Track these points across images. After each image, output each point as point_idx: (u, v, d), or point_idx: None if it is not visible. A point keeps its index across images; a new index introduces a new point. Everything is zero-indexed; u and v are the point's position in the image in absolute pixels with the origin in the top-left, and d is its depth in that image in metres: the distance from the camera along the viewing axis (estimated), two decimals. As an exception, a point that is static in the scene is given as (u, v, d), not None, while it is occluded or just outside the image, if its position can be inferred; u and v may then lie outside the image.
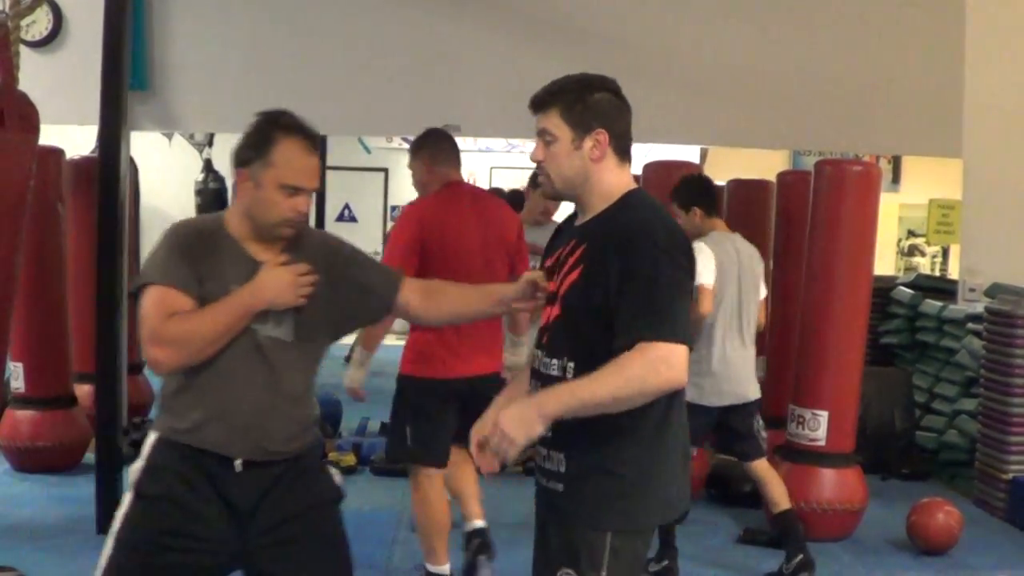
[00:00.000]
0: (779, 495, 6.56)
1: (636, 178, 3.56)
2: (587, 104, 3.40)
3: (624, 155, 3.41)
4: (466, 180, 6.49)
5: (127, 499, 3.64)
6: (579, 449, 3.33)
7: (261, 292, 3.50)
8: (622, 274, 3.18)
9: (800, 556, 6.36)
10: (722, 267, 6.40)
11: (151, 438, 3.65)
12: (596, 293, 3.24)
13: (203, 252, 3.58)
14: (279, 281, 3.51)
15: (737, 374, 6.47)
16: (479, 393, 4.83)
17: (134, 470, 3.62)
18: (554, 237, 3.59)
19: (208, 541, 3.56)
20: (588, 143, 3.35)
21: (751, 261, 6.64)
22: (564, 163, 3.36)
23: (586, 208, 3.41)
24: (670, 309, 3.15)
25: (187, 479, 3.55)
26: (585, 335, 3.28)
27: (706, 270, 6.20)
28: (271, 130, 3.64)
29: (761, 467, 6.63)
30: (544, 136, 3.39)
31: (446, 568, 6.02)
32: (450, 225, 5.74)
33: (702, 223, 6.52)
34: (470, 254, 5.74)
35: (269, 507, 3.59)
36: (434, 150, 5.94)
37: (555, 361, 3.35)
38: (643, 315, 3.14)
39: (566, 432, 3.27)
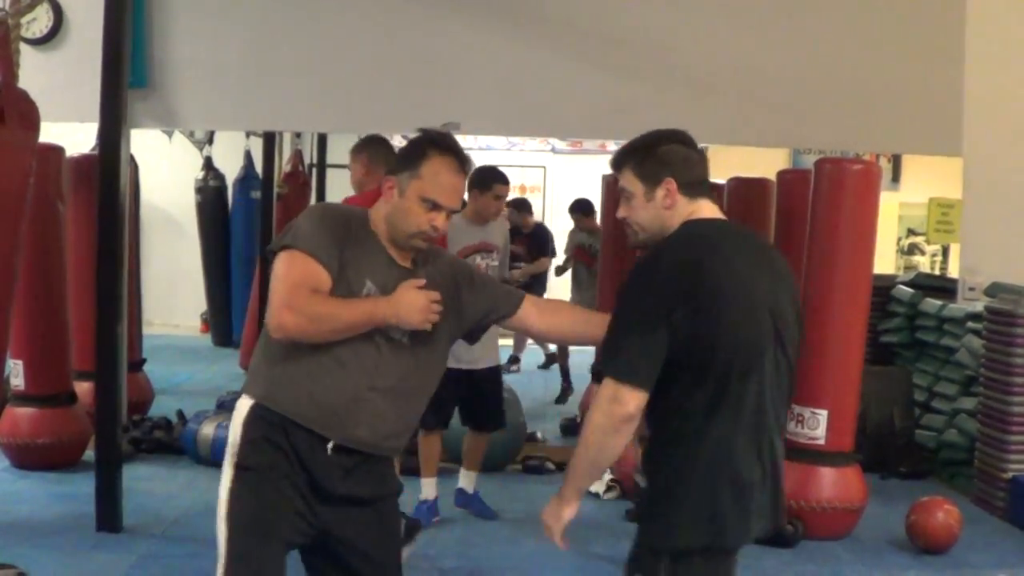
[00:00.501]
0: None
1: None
2: (656, 157, 3.55)
3: (696, 194, 3.55)
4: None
5: (229, 475, 3.72)
6: (649, 469, 3.50)
7: (395, 308, 3.59)
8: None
9: None
10: None
11: (244, 406, 3.75)
12: None
13: (349, 238, 3.71)
14: (414, 304, 3.60)
15: None
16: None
17: (232, 443, 3.73)
18: None
19: (304, 516, 3.69)
20: (660, 193, 3.51)
21: None
22: (642, 215, 3.54)
23: None
24: (623, 345, 3.32)
25: (283, 450, 3.66)
26: None
27: None
28: (426, 146, 3.74)
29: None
30: (623, 194, 3.57)
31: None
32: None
33: None
34: None
35: (346, 490, 3.71)
36: (373, 153, 6.71)
37: None
38: (605, 348, 3.39)
39: (646, 453, 3.49)
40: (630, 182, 3.54)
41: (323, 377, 3.63)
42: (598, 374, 3.48)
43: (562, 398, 11.71)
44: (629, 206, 3.55)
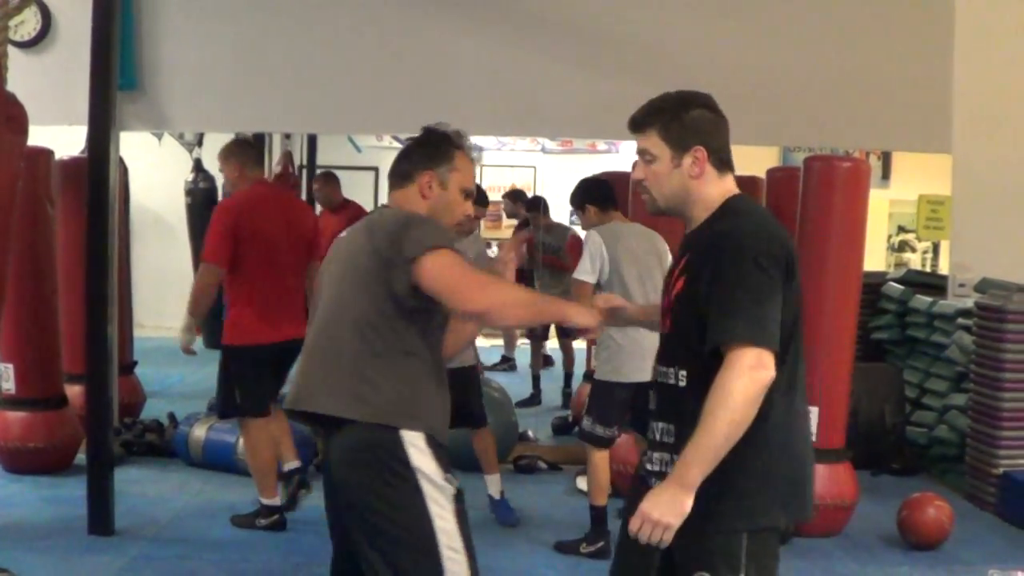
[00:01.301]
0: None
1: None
2: (684, 123, 3.46)
3: (723, 166, 3.52)
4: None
5: (449, 507, 3.76)
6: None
7: (575, 314, 3.77)
8: (711, 281, 3.28)
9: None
10: (617, 253, 6.77)
11: (418, 440, 3.73)
12: (697, 301, 3.32)
13: None
14: (586, 310, 3.82)
15: (642, 350, 6.43)
16: (288, 354, 6.70)
17: (430, 474, 3.72)
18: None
19: None
20: (687, 160, 3.45)
21: (651, 243, 6.95)
22: (665, 182, 3.48)
23: (691, 221, 3.52)
24: (755, 312, 3.23)
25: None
26: (693, 343, 3.33)
27: (588, 261, 6.76)
28: (450, 142, 4.02)
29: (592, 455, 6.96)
30: (644, 156, 3.50)
31: (278, 500, 7.15)
32: (259, 216, 6.99)
33: (597, 218, 7.09)
34: (275, 240, 7.07)
35: None
36: (243, 157, 7.28)
37: (670, 370, 3.45)
38: (721, 322, 3.23)
39: (684, 431, 3.28)
40: (655, 145, 3.46)
41: (441, 392, 3.87)
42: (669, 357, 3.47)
43: (529, 402, 11.35)
44: (650, 170, 3.48)
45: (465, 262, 3.73)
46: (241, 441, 8.18)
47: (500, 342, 14.28)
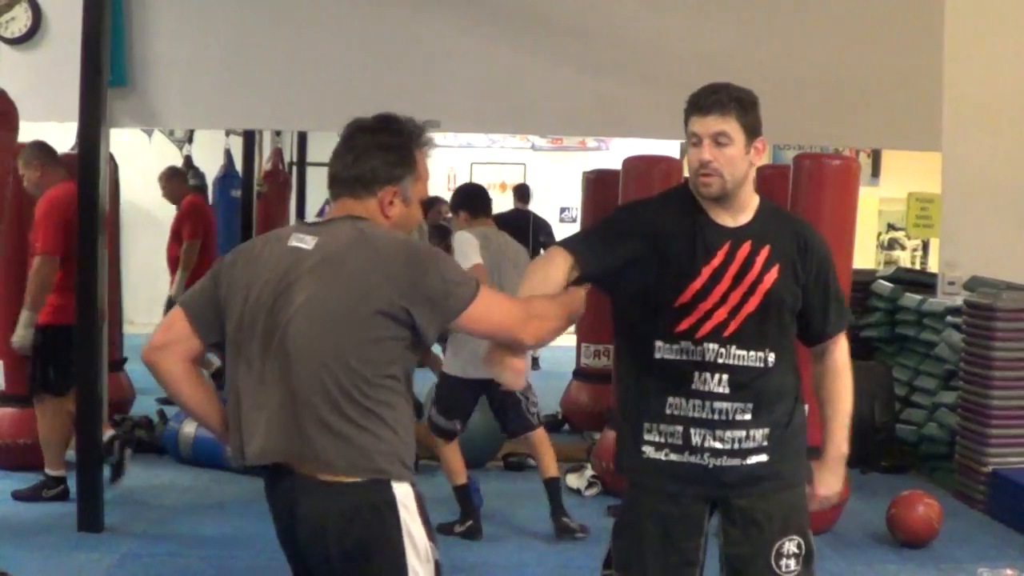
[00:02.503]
0: (547, 464, 7.18)
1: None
2: (757, 113, 3.70)
3: None
4: (446, 175, 7.39)
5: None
6: (777, 420, 3.73)
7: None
8: (818, 273, 3.74)
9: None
10: (489, 251, 7.05)
11: (409, 497, 3.30)
12: (794, 288, 3.68)
13: None
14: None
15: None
16: None
17: (420, 537, 3.33)
18: (694, 236, 3.68)
19: None
20: (754, 149, 3.65)
21: (513, 253, 7.31)
22: (738, 165, 3.61)
23: (739, 207, 3.70)
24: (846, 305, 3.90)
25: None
26: (786, 327, 3.72)
27: (472, 251, 6.96)
28: (412, 148, 3.45)
29: (535, 438, 7.18)
30: (719, 138, 3.58)
31: (63, 472, 7.52)
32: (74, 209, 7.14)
33: (467, 223, 7.34)
34: None
35: None
36: (45, 158, 7.58)
37: (753, 353, 3.65)
38: (839, 310, 3.85)
39: (764, 407, 3.68)
40: (734, 128, 3.59)
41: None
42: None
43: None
44: (724, 152, 3.58)
45: (496, 291, 3.60)
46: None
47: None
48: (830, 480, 3.85)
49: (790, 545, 3.68)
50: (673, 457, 3.66)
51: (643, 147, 10.32)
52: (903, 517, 7.05)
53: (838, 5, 8.79)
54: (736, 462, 3.64)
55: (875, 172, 15.71)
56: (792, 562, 3.68)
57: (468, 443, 8.03)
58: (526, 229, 12.38)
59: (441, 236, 10.28)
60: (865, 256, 14.45)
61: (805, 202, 7.31)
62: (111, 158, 8.64)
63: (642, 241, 3.63)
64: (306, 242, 3.30)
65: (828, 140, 9.28)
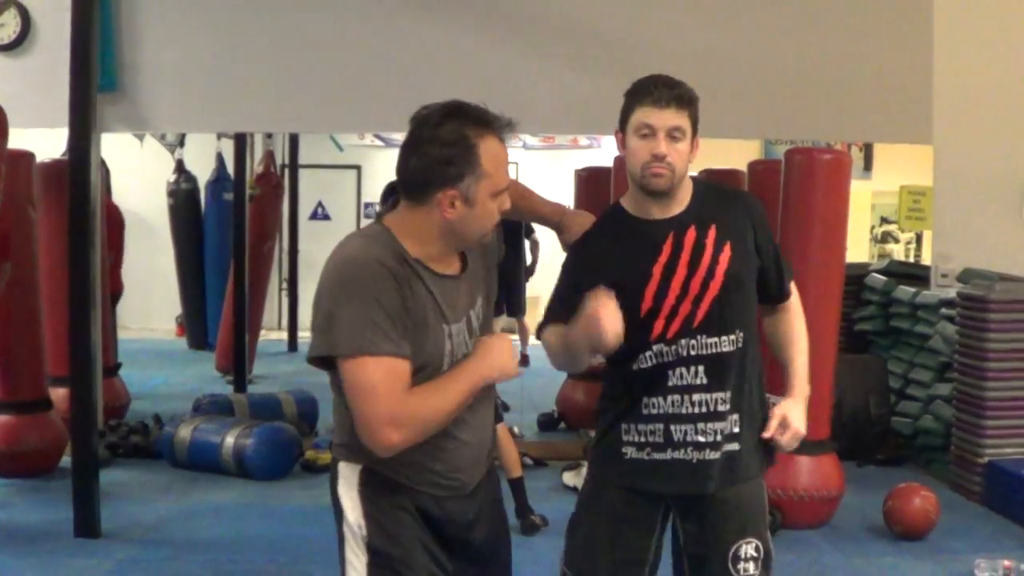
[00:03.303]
0: (511, 463, 7.12)
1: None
2: (699, 110, 3.68)
3: None
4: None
5: (364, 558, 3.28)
6: (747, 404, 3.70)
7: (491, 370, 3.19)
8: (766, 240, 3.73)
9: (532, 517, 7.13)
10: None
11: (352, 475, 3.28)
12: (750, 262, 3.66)
13: (405, 296, 3.09)
14: (504, 355, 3.22)
15: None
16: None
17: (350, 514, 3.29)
18: (635, 244, 3.65)
19: None
20: (695, 146, 3.64)
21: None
22: (685, 161, 3.60)
23: (677, 201, 3.66)
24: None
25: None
26: (749, 302, 3.70)
27: None
28: (469, 134, 3.08)
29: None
30: (674, 133, 3.55)
31: None
32: None
33: None
34: None
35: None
36: None
37: (725, 337, 3.62)
38: (787, 267, 3.84)
39: (736, 392, 3.65)
40: (687, 124, 3.58)
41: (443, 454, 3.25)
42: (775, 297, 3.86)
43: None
44: (675, 147, 3.54)
45: (379, 374, 3.00)
46: (227, 441, 8.20)
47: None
48: (797, 416, 3.74)
49: (748, 548, 3.64)
50: (656, 456, 3.64)
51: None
52: (900, 510, 7.05)
53: (827, 1, 8.80)
54: (716, 454, 3.61)
55: (867, 166, 15.72)
56: (751, 565, 3.64)
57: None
58: (517, 227, 12.40)
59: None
60: (858, 250, 14.46)
61: (797, 197, 7.30)
62: (103, 163, 8.64)
63: (595, 277, 3.51)
64: None
65: (819, 134, 9.27)
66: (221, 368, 12.38)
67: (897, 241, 16.36)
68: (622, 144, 3.62)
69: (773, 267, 3.75)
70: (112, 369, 9.70)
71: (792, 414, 3.71)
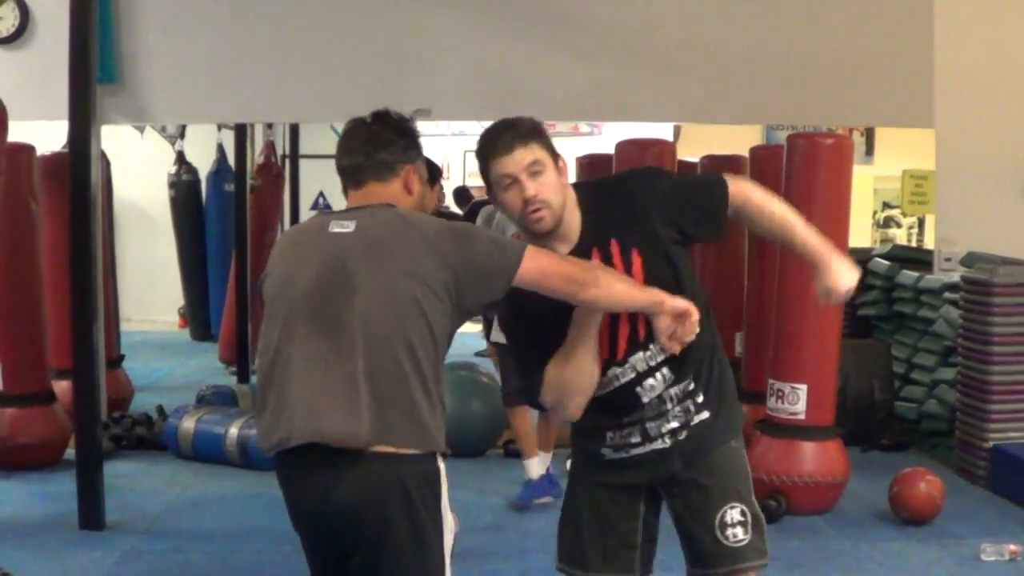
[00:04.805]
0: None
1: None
2: (547, 134, 3.56)
3: None
4: (439, 164, 7.36)
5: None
6: (703, 370, 3.65)
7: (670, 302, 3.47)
8: (678, 203, 3.59)
9: None
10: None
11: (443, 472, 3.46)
12: (668, 250, 3.56)
13: None
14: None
15: None
16: None
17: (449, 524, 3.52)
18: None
19: None
20: (561, 170, 3.53)
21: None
22: (559, 189, 3.50)
23: (571, 227, 3.56)
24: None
25: None
26: (685, 283, 3.57)
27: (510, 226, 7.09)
28: (417, 133, 3.71)
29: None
30: (533, 167, 3.45)
31: None
32: None
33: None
34: None
35: None
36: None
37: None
38: (715, 191, 3.63)
39: (695, 365, 3.62)
40: (542, 155, 3.47)
41: None
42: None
43: None
44: (541, 181, 3.45)
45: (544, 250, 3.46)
46: (231, 432, 8.19)
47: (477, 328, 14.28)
48: (844, 269, 3.66)
49: (732, 513, 3.60)
50: (636, 452, 3.67)
51: (636, 131, 10.30)
52: (905, 495, 7.04)
53: (828, -15, 8.80)
54: (687, 432, 3.63)
55: (869, 150, 15.68)
56: (739, 530, 3.60)
57: (468, 431, 8.05)
58: None
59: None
60: (861, 235, 14.44)
61: (799, 182, 7.28)
62: (103, 156, 8.63)
63: (535, 325, 3.58)
64: (347, 226, 3.41)
65: (821, 119, 9.25)
66: (224, 359, 12.38)
67: (900, 226, 16.33)
68: (496, 201, 3.58)
69: (702, 214, 3.62)
70: (115, 361, 9.70)
71: (836, 274, 3.64)
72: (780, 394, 7.24)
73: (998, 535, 6.66)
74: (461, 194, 14.28)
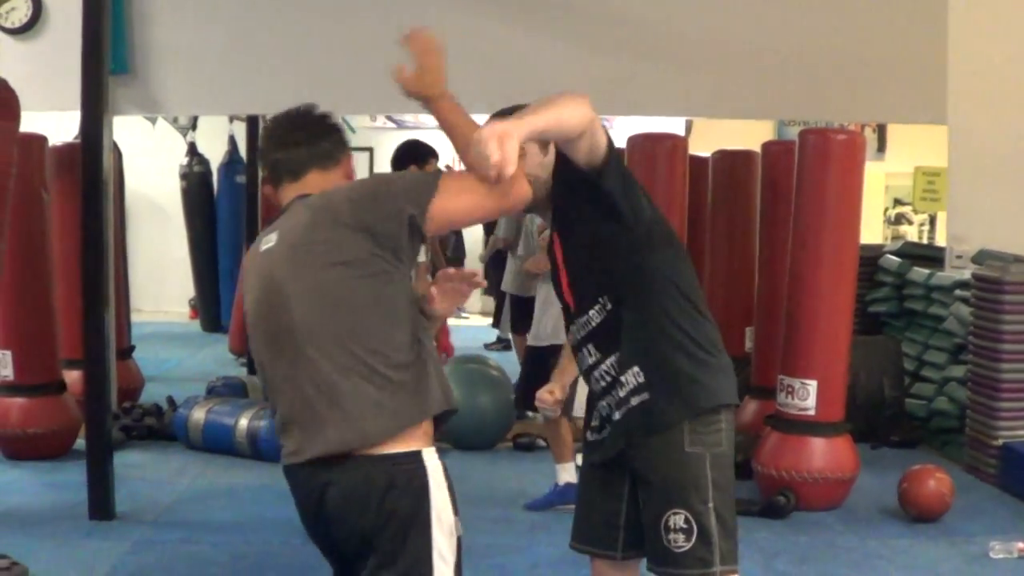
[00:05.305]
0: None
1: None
2: None
3: None
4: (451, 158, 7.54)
5: (452, 559, 3.30)
6: (648, 356, 3.63)
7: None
8: (586, 177, 3.55)
9: None
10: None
11: (435, 463, 3.27)
12: (587, 227, 3.64)
13: None
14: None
15: None
16: None
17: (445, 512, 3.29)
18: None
19: None
20: (548, 150, 3.72)
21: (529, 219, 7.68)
22: (537, 173, 3.66)
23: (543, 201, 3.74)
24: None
25: None
26: (610, 266, 3.62)
27: None
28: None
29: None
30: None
31: None
32: None
33: None
34: None
35: None
36: None
37: (592, 311, 3.68)
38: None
39: (628, 348, 3.62)
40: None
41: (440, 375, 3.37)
42: None
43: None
44: (530, 163, 3.61)
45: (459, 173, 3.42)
46: (241, 423, 8.20)
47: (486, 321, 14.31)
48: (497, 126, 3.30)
49: (676, 519, 3.60)
50: (603, 435, 3.80)
51: (647, 125, 10.31)
52: (915, 492, 7.04)
53: (842, -20, 8.78)
54: (624, 411, 3.66)
55: (881, 147, 15.64)
56: (680, 537, 3.59)
57: (478, 424, 8.05)
58: None
59: None
60: (872, 231, 14.38)
61: (811, 178, 7.28)
62: (115, 146, 8.64)
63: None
64: (271, 240, 3.40)
65: (833, 115, 9.25)
66: (235, 350, 12.38)
67: (911, 223, 16.30)
68: None
69: (576, 176, 3.57)
70: (126, 352, 9.71)
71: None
72: (790, 390, 7.24)
73: (1007, 532, 6.65)
74: None
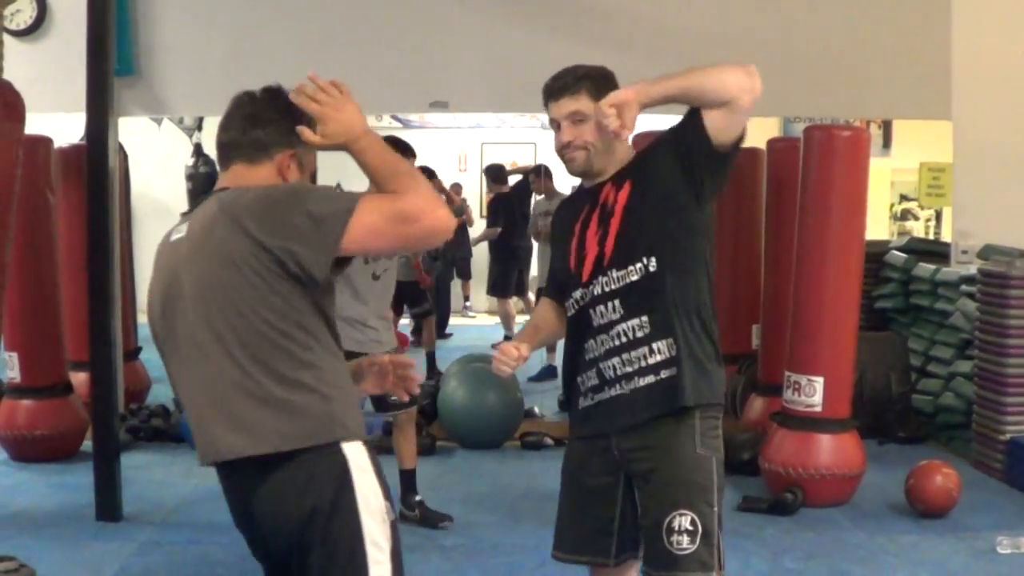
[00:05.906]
0: (406, 454, 6.83)
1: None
2: (609, 84, 3.81)
3: None
4: (457, 157, 7.70)
5: (388, 546, 3.10)
6: (680, 330, 3.65)
7: None
8: (680, 141, 3.74)
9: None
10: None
11: (360, 454, 3.09)
12: (664, 184, 3.70)
13: None
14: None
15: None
16: None
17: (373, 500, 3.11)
18: (573, 210, 3.93)
19: None
20: None
21: None
22: (597, 135, 3.73)
23: (606, 171, 3.81)
24: None
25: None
26: (665, 229, 3.68)
27: None
28: (302, 114, 3.31)
29: (400, 419, 6.87)
30: (575, 117, 3.74)
31: None
32: None
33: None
34: None
35: None
36: None
37: (631, 267, 3.67)
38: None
39: (660, 316, 3.64)
40: (587, 106, 3.72)
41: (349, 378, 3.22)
42: None
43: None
44: (580, 129, 3.73)
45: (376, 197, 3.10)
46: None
47: (494, 320, 14.31)
48: (628, 89, 3.64)
49: (682, 520, 3.60)
50: (598, 397, 3.77)
51: (651, 123, 10.29)
52: (922, 487, 7.04)
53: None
54: (650, 379, 3.64)
55: (886, 143, 15.64)
56: (684, 539, 3.59)
57: (485, 423, 8.04)
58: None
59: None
60: (878, 227, 14.39)
61: (816, 174, 7.28)
62: (121, 148, 8.64)
63: (554, 242, 4.09)
64: (182, 231, 3.16)
65: (838, 111, 9.24)
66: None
67: (916, 218, 16.29)
68: None
69: (695, 139, 3.69)
70: (133, 353, 9.72)
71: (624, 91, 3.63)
72: (797, 386, 7.24)
73: (1014, 527, 6.65)
74: (498, 172, 14.17)
